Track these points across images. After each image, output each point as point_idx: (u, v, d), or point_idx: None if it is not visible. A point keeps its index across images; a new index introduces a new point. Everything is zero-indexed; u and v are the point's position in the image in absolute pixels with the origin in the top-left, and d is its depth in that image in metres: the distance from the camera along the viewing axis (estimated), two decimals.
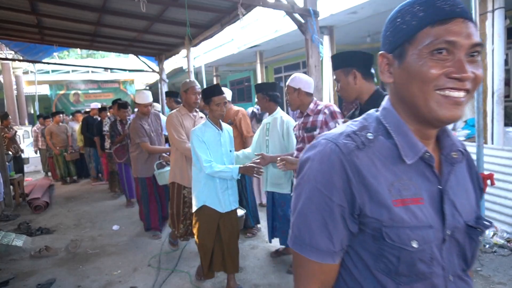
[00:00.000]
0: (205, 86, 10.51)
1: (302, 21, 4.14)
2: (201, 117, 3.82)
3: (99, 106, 8.05)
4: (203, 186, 2.89)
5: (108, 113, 7.44)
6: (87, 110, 9.88)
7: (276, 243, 3.77)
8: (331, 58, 2.09)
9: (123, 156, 5.79)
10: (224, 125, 3.03)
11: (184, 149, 3.50)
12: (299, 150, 2.81)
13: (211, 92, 2.86)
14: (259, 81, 9.82)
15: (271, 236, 3.60)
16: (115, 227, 5.05)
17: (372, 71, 2.09)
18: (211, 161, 2.80)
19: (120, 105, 5.77)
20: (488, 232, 3.80)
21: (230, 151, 2.99)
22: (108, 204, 6.40)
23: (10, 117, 8.39)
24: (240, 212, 3.64)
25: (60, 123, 8.50)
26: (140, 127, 4.36)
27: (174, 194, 3.72)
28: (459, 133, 4.67)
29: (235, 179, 2.96)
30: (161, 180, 4.30)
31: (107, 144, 6.55)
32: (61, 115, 8.82)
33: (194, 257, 3.88)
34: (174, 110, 3.73)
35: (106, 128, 6.45)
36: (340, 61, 2.06)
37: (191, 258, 3.88)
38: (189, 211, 3.67)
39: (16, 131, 8.13)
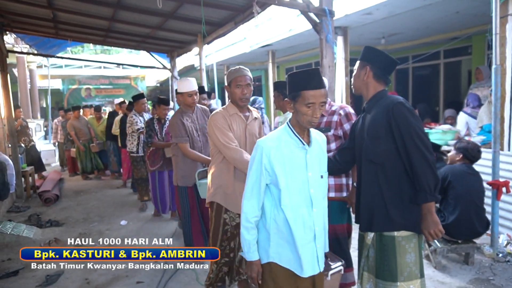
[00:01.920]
0: (216, 85, 10.50)
1: (317, 20, 4.10)
2: (255, 118, 2.77)
3: (120, 101, 7.94)
4: (268, 235, 1.81)
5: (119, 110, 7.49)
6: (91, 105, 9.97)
7: None
8: (363, 49, 2.16)
9: (157, 163, 4.87)
10: (314, 132, 1.88)
11: (234, 159, 2.48)
12: None
13: (301, 83, 1.71)
14: (271, 81, 9.79)
15: None
16: (123, 222, 5.07)
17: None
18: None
19: (160, 100, 4.79)
20: (502, 241, 3.72)
21: (322, 176, 1.84)
22: (116, 199, 6.43)
23: (20, 109, 8.38)
24: (336, 266, 2.15)
25: (79, 117, 8.39)
26: (179, 124, 3.45)
27: (212, 218, 2.74)
28: (474, 138, 4.57)
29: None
30: (203, 192, 3.44)
31: (131, 144, 5.58)
32: (81, 110, 8.73)
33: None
34: (220, 108, 2.72)
35: (138, 126, 5.40)
36: (364, 54, 2.13)
37: None
38: (231, 246, 2.75)
39: (24, 124, 8.11)
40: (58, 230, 4.88)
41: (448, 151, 4.27)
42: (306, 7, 4.00)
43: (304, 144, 1.78)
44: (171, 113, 5.09)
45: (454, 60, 8.44)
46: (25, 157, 7.81)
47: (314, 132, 1.87)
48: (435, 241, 3.42)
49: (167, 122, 4.73)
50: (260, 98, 5.53)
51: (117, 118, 7.24)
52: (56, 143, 9.75)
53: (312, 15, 4.07)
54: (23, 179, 6.70)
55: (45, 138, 14.41)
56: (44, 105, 18.88)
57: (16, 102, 13.22)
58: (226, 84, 2.65)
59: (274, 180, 1.75)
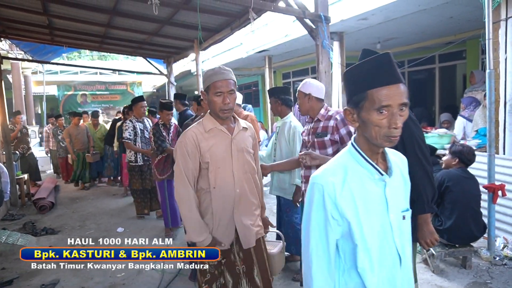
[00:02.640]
0: None
1: (313, 26, 4.11)
2: (245, 128, 2.18)
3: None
4: None
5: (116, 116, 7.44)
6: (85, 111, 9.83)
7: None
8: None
9: (166, 171, 4.51)
10: (391, 153, 1.34)
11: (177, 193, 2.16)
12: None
13: (367, 79, 1.15)
14: (267, 86, 9.80)
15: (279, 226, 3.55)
16: (119, 229, 5.03)
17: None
18: None
19: (163, 105, 4.51)
20: (498, 244, 3.72)
21: (404, 217, 1.26)
22: (112, 206, 6.38)
23: (20, 116, 8.11)
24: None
25: (79, 125, 8.04)
26: None
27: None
28: (469, 142, 4.59)
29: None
30: None
31: (129, 153, 5.24)
32: (81, 116, 8.39)
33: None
34: (194, 124, 2.17)
35: (125, 133, 5.08)
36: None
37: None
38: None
39: (24, 131, 7.94)
40: (53, 238, 4.82)
41: (444, 155, 4.28)
42: (301, 13, 4.02)
43: (382, 175, 1.21)
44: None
45: (449, 64, 8.51)
46: (22, 165, 7.72)
47: (391, 153, 1.31)
48: None
49: (172, 127, 4.62)
50: (249, 106, 5.54)
51: (118, 124, 7.18)
52: (49, 151, 9.62)
53: (307, 21, 4.09)
54: (17, 186, 6.64)
55: (40, 145, 14.30)
56: (39, 112, 18.77)
57: (10, 108, 13.16)
58: (202, 89, 2.10)
59: (346, 231, 1.17)
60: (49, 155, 9.79)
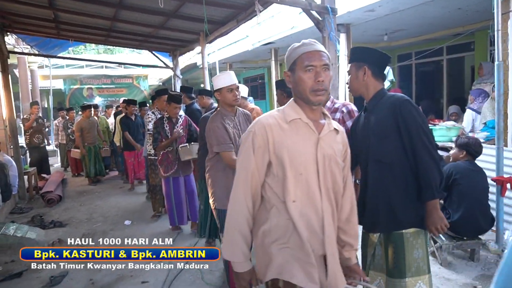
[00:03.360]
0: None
1: (320, 18, 4.07)
2: (336, 131, 1.61)
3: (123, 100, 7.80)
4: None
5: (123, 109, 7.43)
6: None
7: None
8: (350, 51, 2.14)
9: (170, 168, 4.31)
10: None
11: None
12: None
13: None
14: (273, 79, 9.76)
15: None
16: (127, 222, 5.07)
17: (387, 72, 2.10)
18: None
19: (171, 97, 4.30)
20: (507, 237, 3.70)
21: None
22: (119, 199, 6.43)
23: (37, 106, 8.14)
24: None
25: (90, 118, 7.82)
26: (221, 128, 2.75)
27: None
28: (478, 135, 4.55)
29: None
30: None
31: (148, 146, 5.08)
32: (92, 109, 8.10)
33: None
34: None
35: (149, 126, 4.90)
36: (356, 55, 2.11)
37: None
38: None
39: (40, 121, 7.97)
40: (61, 230, 4.88)
41: (452, 148, 4.25)
42: (308, 5, 3.98)
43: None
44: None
45: (457, 56, 8.40)
46: (34, 156, 7.75)
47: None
48: (441, 237, 3.41)
49: (180, 121, 4.37)
50: (251, 98, 5.56)
51: (118, 118, 7.17)
52: (58, 144, 9.69)
53: (314, 13, 4.04)
54: (25, 179, 6.71)
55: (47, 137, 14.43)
56: (46, 106, 18.90)
57: (17, 102, 13.27)
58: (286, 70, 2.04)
59: None
60: (57, 148, 9.88)
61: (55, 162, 10.75)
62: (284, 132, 1.47)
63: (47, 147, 8.67)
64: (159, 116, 4.77)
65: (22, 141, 7.72)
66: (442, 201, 3.47)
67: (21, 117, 10.13)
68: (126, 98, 8.31)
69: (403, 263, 1.94)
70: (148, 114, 5.01)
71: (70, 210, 5.87)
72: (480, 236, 3.48)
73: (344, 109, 2.62)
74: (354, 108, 2.67)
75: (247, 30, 8.82)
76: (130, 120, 6.64)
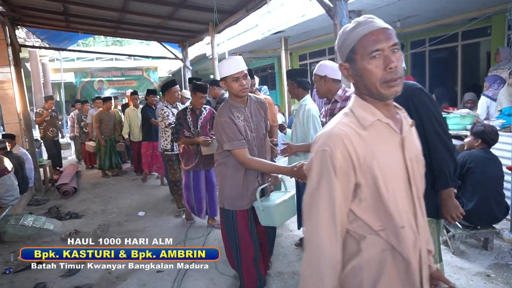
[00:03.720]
0: None
1: (331, 5, 3.98)
2: (412, 125, 1.34)
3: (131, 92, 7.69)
4: None
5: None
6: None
7: (300, 232, 3.73)
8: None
9: (191, 161, 4.14)
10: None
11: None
12: None
13: None
14: (284, 69, 9.67)
15: (299, 224, 3.57)
16: (140, 213, 5.13)
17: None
18: None
19: (197, 87, 3.98)
20: None
21: None
22: (133, 191, 6.50)
23: (52, 100, 8.18)
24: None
25: (110, 110, 7.69)
26: (230, 123, 2.45)
27: None
28: (493, 122, 4.44)
29: None
30: (266, 219, 2.55)
31: (164, 141, 4.87)
32: (112, 101, 7.94)
33: (219, 244, 3.88)
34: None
35: (170, 120, 4.58)
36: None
37: (215, 245, 3.88)
38: None
39: (54, 114, 8.06)
40: (77, 222, 4.96)
41: (466, 136, 4.16)
42: None
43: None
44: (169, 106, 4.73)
45: (472, 41, 8.18)
46: (49, 149, 7.85)
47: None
48: (457, 224, 3.38)
49: (204, 112, 4.10)
50: (265, 87, 5.50)
51: (127, 110, 7.18)
52: (73, 137, 9.77)
53: None
54: (41, 172, 6.81)
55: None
56: (58, 99, 19.13)
57: (30, 95, 13.44)
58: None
59: None
60: (72, 141, 9.97)
61: (69, 155, 10.90)
62: (366, 142, 1.10)
63: (60, 140, 8.76)
64: (172, 109, 4.66)
65: (36, 134, 7.81)
66: (455, 190, 3.42)
67: (34, 110, 10.26)
68: (132, 90, 8.24)
69: None
70: (163, 109, 4.68)
71: (85, 202, 5.96)
72: (493, 225, 3.43)
73: None
74: None
75: (256, 19, 8.73)
76: (152, 110, 6.30)
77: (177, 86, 4.81)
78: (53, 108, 8.17)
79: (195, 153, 4.08)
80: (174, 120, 4.15)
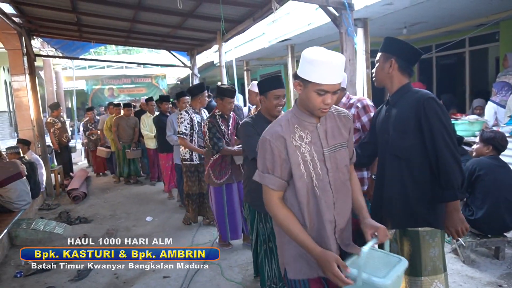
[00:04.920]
0: (236, 81, 10.58)
1: (337, 14, 4.04)
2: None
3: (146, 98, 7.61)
4: None
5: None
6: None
7: None
8: (384, 40, 2.07)
9: (224, 174, 3.73)
10: None
11: None
12: None
13: None
14: (290, 76, 9.73)
15: None
16: (148, 218, 5.20)
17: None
18: None
19: (223, 91, 3.66)
20: None
21: None
22: (141, 196, 6.59)
23: (61, 107, 8.35)
24: None
25: (130, 117, 7.55)
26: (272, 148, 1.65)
27: None
28: (503, 129, 4.42)
29: None
30: None
31: (182, 150, 4.51)
32: (132, 108, 7.82)
33: (225, 251, 3.93)
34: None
35: (181, 127, 4.28)
36: (387, 45, 2.05)
37: (222, 251, 3.92)
38: None
39: (63, 120, 8.12)
40: (87, 226, 5.05)
41: (475, 142, 4.15)
42: (325, 1, 3.95)
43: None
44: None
45: (480, 47, 8.14)
46: (63, 156, 7.91)
47: None
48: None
49: (231, 119, 3.87)
50: (240, 96, 5.40)
51: (144, 117, 6.98)
52: (85, 143, 9.84)
53: (331, 9, 4.02)
54: (52, 177, 6.95)
55: (72, 138, 14.87)
56: (70, 106, 19.49)
57: (43, 103, 13.71)
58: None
59: None
60: (85, 147, 9.99)
61: (79, 160, 11.07)
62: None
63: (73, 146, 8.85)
64: (194, 115, 4.37)
65: (48, 140, 7.95)
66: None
67: (46, 117, 10.41)
68: (147, 97, 8.27)
69: (419, 261, 1.93)
70: (180, 113, 4.39)
71: (94, 207, 6.06)
72: (505, 234, 3.39)
73: (359, 104, 2.62)
74: (370, 103, 2.65)
75: (263, 27, 8.82)
76: (165, 118, 5.79)
77: (205, 91, 4.51)
78: (61, 114, 8.29)
79: (229, 163, 3.71)
80: (207, 129, 3.60)
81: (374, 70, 2.12)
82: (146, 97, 8.23)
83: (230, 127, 3.81)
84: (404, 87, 2.00)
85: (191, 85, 8.43)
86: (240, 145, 3.42)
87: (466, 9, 6.17)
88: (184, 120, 4.28)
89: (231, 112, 3.85)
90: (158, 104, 6.31)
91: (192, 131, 4.34)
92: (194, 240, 4.28)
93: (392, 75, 2.01)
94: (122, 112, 7.60)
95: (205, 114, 4.53)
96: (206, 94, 4.45)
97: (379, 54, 2.08)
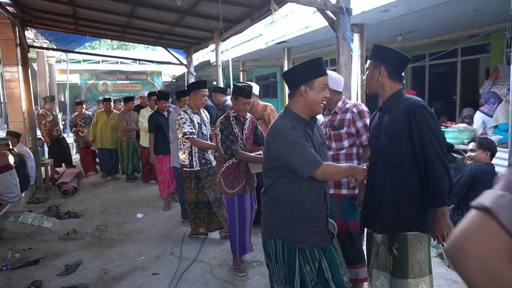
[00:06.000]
0: (231, 81, 10.65)
1: (334, 18, 4.08)
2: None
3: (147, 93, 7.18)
4: None
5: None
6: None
7: None
8: (372, 47, 2.12)
9: (238, 183, 3.32)
10: None
11: None
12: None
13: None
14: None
15: None
16: (139, 215, 5.18)
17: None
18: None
19: (240, 91, 3.23)
20: None
21: None
22: (132, 193, 6.56)
23: (55, 101, 8.13)
24: None
25: (132, 111, 7.29)
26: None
27: None
28: (491, 138, 4.51)
29: None
30: None
31: (182, 154, 4.06)
32: (134, 101, 7.51)
33: (215, 249, 3.94)
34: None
35: (186, 128, 3.85)
36: (375, 53, 2.11)
37: (211, 249, 3.94)
38: None
39: (55, 114, 7.93)
40: (76, 221, 5.02)
41: (464, 150, 4.22)
42: (323, 4, 3.99)
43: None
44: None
45: (472, 58, 8.30)
46: (56, 149, 7.73)
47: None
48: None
49: (248, 121, 3.42)
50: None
51: (143, 111, 6.51)
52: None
53: (329, 12, 4.05)
54: (42, 171, 6.88)
55: (63, 132, 14.72)
56: (63, 99, 19.28)
57: (35, 96, 13.56)
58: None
59: None
60: (76, 143, 9.77)
61: (72, 154, 10.92)
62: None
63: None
64: (193, 115, 3.98)
65: (39, 133, 7.85)
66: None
67: (38, 109, 10.25)
68: (148, 92, 7.70)
69: (406, 264, 1.97)
70: (179, 114, 3.97)
71: (84, 202, 6.02)
72: None
73: (354, 110, 2.65)
74: (365, 108, 2.69)
75: (260, 29, 8.86)
76: (162, 118, 5.42)
77: (206, 89, 4.05)
78: (54, 108, 8.11)
79: (244, 171, 3.32)
80: (219, 131, 3.23)
81: (364, 78, 2.17)
82: (148, 92, 7.88)
83: (245, 131, 3.36)
84: (396, 94, 2.05)
85: (186, 84, 8.36)
86: (260, 153, 3.24)
87: (459, 19, 6.29)
88: (186, 120, 3.91)
89: (249, 115, 3.45)
90: (156, 102, 5.76)
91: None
92: (185, 239, 4.28)
93: (383, 82, 2.05)
94: (121, 107, 7.46)
95: (204, 114, 4.20)
96: (205, 93, 3.98)
97: (368, 62, 2.13)
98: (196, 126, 3.97)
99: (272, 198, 1.97)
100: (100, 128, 7.50)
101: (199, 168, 4.00)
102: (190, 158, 3.99)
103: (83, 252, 3.95)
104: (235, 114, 3.31)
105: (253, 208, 3.50)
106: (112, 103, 7.96)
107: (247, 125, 3.40)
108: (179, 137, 3.99)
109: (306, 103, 1.97)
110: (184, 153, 4.03)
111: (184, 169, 4.05)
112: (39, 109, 8.63)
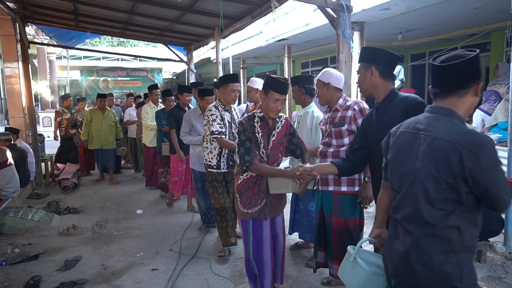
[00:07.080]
0: None
1: (335, 16, 4.08)
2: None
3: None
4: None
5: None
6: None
7: (295, 237, 3.79)
8: (360, 50, 2.13)
9: (254, 202, 2.66)
10: None
11: None
12: (325, 144, 2.81)
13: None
14: (286, 75, 9.78)
15: (291, 229, 3.64)
16: (139, 211, 5.19)
17: (398, 71, 2.11)
18: None
19: (272, 83, 2.49)
20: None
21: None
22: (132, 189, 6.57)
23: (71, 98, 8.15)
24: None
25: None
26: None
27: None
28: (490, 136, 4.52)
29: None
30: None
31: (208, 154, 3.65)
32: (141, 98, 7.37)
33: (214, 245, 3.96)
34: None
35: (215, 127, 3.49)
36: (364, 55, 2.13)
37: (211, 246, 3.96)
38: None
39: (72, 112, 7.77)
40: (76, 217, 5.03)
41: None
42: (323, 2, 3.99)
43: None
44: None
45: None
46: (64, 148, 7.75)
47: None
48: None
49: (278, 125, 2.67)
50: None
51: (146, 106, 6.21)
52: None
53: (329, 10, 4.05)
54: (42, 166, 6.89)
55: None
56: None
57: (35, 92, 13.54)
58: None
59: None
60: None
61: None
62: None
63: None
64: (224, 112, 3.59)
65: (41, 129, 7.85)
66: None
67: (39, 106, 10.28)
68: (151, 84, 7.33)
69: None
70: (210, 110, 3.57)
71: (84, 198, 6.03)
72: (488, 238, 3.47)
73: (356, 107, 2.66)
74: (366, 106, 2.70)
75: (261, 26, 8.86)
76: (183, 113, 4.67)
77: (237, 83, 3.62)
78: (71, 105, 8.16)
79: (263, 191, 2.65)
80: (237, 133, 2.61)
81: (357, 81, 2.18)
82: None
83: (274, 138, 2.65)
84: (390, 94, 2.06)
85: (188, 80, 8.33)
86: (288, 166, 2.90)
87: (459, 18, 6.29)
88: (217, 118, 3.51)
89: (284, 116, 2.75)
90: (178, 96, 5.18)
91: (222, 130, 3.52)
92: (185, 235, 4.30)
93: (375, 82, 2.07)
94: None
95: (235, 112, 3.80)
96: (235, 88, 3.54)
97: (358, 65, 2.15)
98: (227, 125, 3.58)
99: None
100: (95, 127, 6.85)
101: (226, 170, 3.61)
102: (218, 159, 3.59)
103: (82, 248, 3.96)
104: (261, 114, 2.61)
105: (278, 240, 2.80)
106: (112, 99, 7.84)
107: (278, 130, 2.66)
108: (206, 134, 3.64)
109: (472, 106, 1.51)
110: (211, 152, 3.61)
111: (210, 170, 3.63)
112: (39, 105, 8.61)
